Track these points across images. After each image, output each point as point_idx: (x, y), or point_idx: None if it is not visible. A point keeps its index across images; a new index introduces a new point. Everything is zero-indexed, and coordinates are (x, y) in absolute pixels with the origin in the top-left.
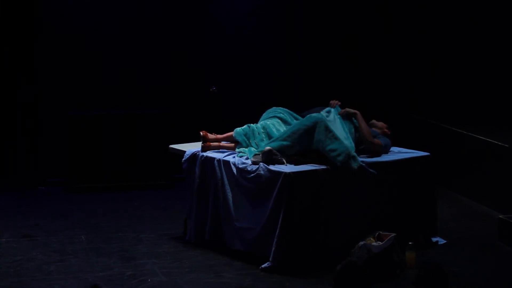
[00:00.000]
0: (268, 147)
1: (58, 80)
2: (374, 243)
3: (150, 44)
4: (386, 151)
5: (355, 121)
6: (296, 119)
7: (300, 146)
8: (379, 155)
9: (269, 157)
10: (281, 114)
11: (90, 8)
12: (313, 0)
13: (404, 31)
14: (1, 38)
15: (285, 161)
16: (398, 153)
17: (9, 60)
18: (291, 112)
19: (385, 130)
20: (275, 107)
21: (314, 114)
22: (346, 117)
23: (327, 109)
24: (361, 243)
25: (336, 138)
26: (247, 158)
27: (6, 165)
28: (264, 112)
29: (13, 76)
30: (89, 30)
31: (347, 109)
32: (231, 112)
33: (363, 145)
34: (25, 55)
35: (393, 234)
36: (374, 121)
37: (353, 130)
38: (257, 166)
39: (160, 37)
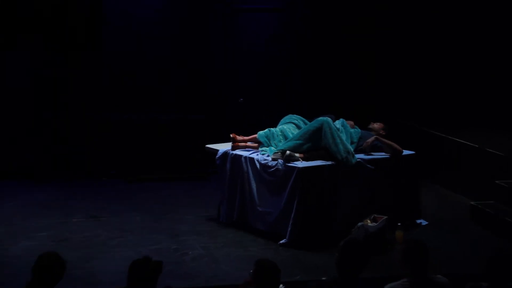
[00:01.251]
0: (288, 151)
1: (122, 93)
2: (370, 224)
3: (189, 65)
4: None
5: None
6: (306, 123)
7: (310, 143)
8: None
9: (286, 159)
10: (295, 120)
11: (139, 33)
12: (316, 28)
13: (388, 45)
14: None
15: (300, 159)
16: None
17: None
18: (303, 118)
19: (382, 132)
20: (290, 115)
21: (320, 118)
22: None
23: (338, 122)
24: (360, 224)
25: (340, 138)
26: (268, 156)
27: (78, 160)
28: (281, 118)
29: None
30: (138, 52)
31: (368, 142)
32: (255, 118)
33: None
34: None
35: (385, 217)
36: (372, 123)
37: (355, 136)
38: (276, 162)
39: (199, 59)
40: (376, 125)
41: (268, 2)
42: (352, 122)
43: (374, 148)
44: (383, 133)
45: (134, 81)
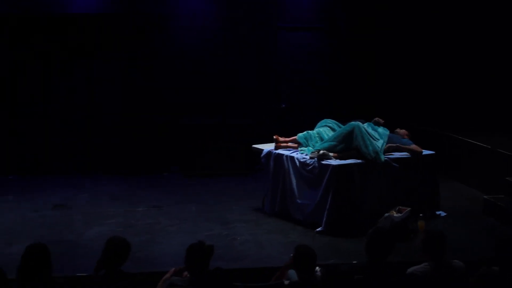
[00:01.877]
0: (322, 151)
1: (182, 101)
2: (395, 215)
3: (239, 76)
4: None
5: (382, 131)
6: (340, 127)
7: (343, 144)
8: (420, 155)
9: (322, 157)
10: (330, 124)
11: (192, 46)
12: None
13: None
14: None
15: (333, 158)
16: None
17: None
18: (337, 122)
19: (406, 136)
20: (326, 119)
21: (352, 122)
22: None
23: (366, 124)
24: (386, 214)
25: (370, 141)
26: (306, 155)
27: (143, 157)
28: (318, 122)
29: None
30: (194, 66)
31: (391, 147)
32: (295, 122)
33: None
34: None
35: (409, 209)
36: (398, 129)
37: (384, 138)
38: (313, 160)
39: (247, 71)
40: (401, 131)
41: (306, 22)
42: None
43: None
44: (408, 137)
45: (193, 91)
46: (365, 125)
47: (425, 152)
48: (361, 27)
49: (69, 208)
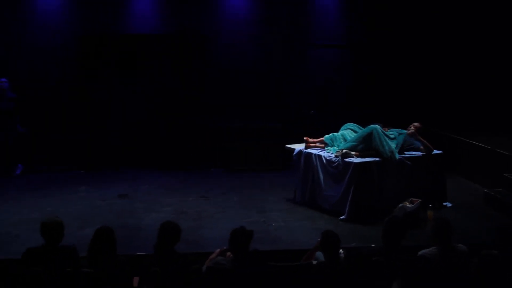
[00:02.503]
0: (345, 150)
1: (223, 106)
2: (408, 205)
3: (273, 86)
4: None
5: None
6: (361, 129)
7: (363, 144)
8: (431, 152)
9: (345, 156)
10: (352, 127)
11: (234, 60)
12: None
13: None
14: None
15: (354, 156)
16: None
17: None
18: (358, 125)
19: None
20: (349, 123)
21: (371, 125)
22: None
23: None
24: (400, 205)
25: (386, 141)
26: (332, 154)
27: (192, 154)
28: (341, 126)
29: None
30: (235, 79)
31: (409, 132)
32: (322, 126)
33: (404, 146)
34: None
35: (420, 200)
36: (409, 127)
37: (399, 138)
38: (338, 158)
39: (280, 81)
40: (414, 125)
41: (333, 39)
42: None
43: (413, 148)
44: (420, 126)
45: (235, 99)
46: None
47: (434, 151)
48: (378, 43)
49: (131, 197)
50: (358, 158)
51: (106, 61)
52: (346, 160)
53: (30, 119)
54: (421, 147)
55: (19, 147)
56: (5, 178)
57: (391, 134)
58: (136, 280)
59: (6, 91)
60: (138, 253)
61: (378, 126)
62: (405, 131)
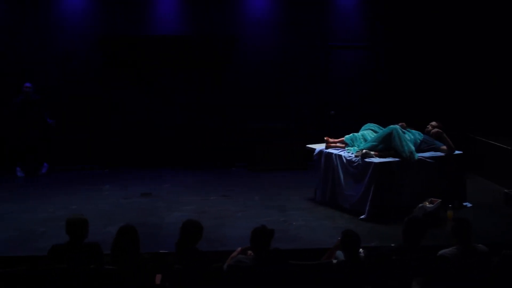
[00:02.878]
0: (365, 150)
1: (240, 105)
2: (428, 205)
3: (298, 89)
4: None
5: (420, 137)
6: (381, 129)
7: (383, 144)
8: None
9: (365, 156)
10: (373, 127)
11: (258, 63)
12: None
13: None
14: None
15: (374, 156)
16: None
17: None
18: (378, 125)
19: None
20: (369, 123)
21: (391, 126)
22: (434, 136)
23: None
24: (420, 205)
25: (406, 141)
26: (352, 154)
27: (215, 154)
28: (361, 126)
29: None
30: (260, 82)
31: (434, 131)
32: (342, 126)
33: (424, 146)
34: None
35: (440, 200)
36: (428, 126)
37: (418, 137)
38: (358, 158)
39: (306, 85)
40: (432, 124)
41: (354, 40)
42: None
43: (434, 148)
44: (438, 125)
45: (257, 100)
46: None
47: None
48: (399, 44)
49: (153, 196)
50: (378, 158)
51: (129, 62)
52: (366, 160)
53: (55, 119)
54: (442, 147)
55: (45, 145)
56: (30, 177)
57: (410, 136)
58: (158, 278)
59: (31, 94)
60: (161, 251)
61: (398, 126)
62: (420, 134)
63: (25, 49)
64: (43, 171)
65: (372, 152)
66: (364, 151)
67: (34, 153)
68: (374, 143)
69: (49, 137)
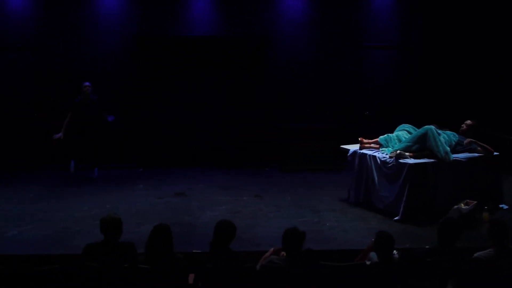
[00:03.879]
0: (399, 151)
1: (278, 108)
2: (463, 207)
3: (333, 90)
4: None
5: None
6: (415, 130)
7: (418, 145)
8: (492, 155)
9: (399, 156)
10: (407, 128)
11: (292, 64)
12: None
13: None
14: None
15: (409, 157)
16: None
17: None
18: (413, 126)
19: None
20: (403, 124)
21: (426, 126)
22: (467, 146)
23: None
24: (455, 206)
25: (441, 142)
26: (386, 154)
27: (247, 156)
28: (396, 127)
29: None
30: (293, 81)
31: (466, 141)
32: (377, 126)
33: (459, 148)
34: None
35: (475, 202)
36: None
37: (452, 139)
38: (392, 159)
39: (341, 86)
40: (467, 123)
41: (389, 41)
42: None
43: (470, 149)
44: (473, 123)
45: (292, 100)
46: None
47: None
48: (435, 44)
49: (187, 195)
50: (413, 159)
51: (163, 63)
52: (401, 161)
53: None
54: (479, 148)
55: (100, 148)
56: (64, 174)
57: (444, 137)
58: (191, 277)
59: (89, 94)
60: (194, 251)
61: (433, 127)
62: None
63: (61, 47)
64: (95, 175)
65: (407, 153)
66: (398, 151)
67: (89, 154)
68: (408, 144)
69: (106, 138)
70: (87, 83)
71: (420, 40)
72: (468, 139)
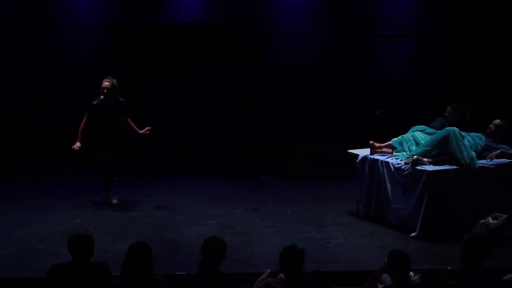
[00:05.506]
0: (416, 156)
1: (278, 106)
2: (491, 221)
3: (339, 84)
4: None
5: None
6: (432, 131)
7: (438, 150)
8: None
9: (416, 162)
10: (423, 129)
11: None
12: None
13: None
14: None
15: (427, 163)
16: None
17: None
18: (427, 127)
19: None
20: (417, 125)
21: (447, 128)
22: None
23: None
24: (482, 221)
25: (464, 146)
26: (401, 160)
27: (241, 161)
28: (409, 128)
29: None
30: (294, 75)
31: (493, 155)
32: (390, 127)
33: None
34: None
35: (506, 215)
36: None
37: (479, 143)
38: (408, 165)
39: (349, 80)
40: (495, 123)
41: (404, 29)
42: None
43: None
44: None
45: (293, 98)
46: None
47: None
48: (458, 34)
49: (171, 208)
50: (432, 166)
51: (143, 55)
52: (418, 167)
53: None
54: (510, 151)
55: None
56: (25, 183)
57: (469, 140)
58: None
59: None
60: (178, 273)
61: (456, 129)
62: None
63: (30, 38)
64: (116, 200)
65: (425, 159)
66: (415, 157)
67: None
68: (427, 148)
69: (128, 148)
70: (107, 82)
71: (442, 26)
72: (496, 152)
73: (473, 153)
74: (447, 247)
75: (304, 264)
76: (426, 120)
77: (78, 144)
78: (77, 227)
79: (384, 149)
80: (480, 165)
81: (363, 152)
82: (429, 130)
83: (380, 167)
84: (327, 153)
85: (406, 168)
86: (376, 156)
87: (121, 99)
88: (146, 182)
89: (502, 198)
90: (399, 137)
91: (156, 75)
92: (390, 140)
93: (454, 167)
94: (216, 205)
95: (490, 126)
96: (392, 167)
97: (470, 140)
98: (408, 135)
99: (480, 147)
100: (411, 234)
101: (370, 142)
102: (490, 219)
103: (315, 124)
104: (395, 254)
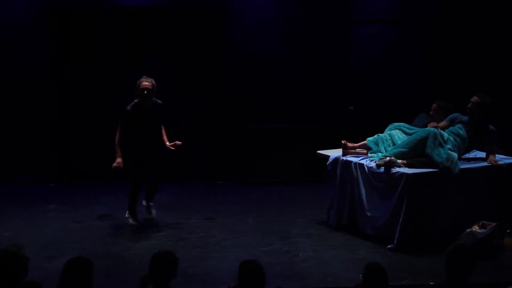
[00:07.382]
0: (389, 158)
1: (239, 102)
2: (478, 230)
3: (307, 77)
4: None
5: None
6: (410, 129)
7: (414, 152)
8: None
9: (390, 165)
10: (401, 127)
11: (261, 49)
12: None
13: None
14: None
15: (402, 165)
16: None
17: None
18: (406, 125)
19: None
20: (395, 123)
21: (427, 128)
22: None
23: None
24: (468, 230)
25: (442, 146)
26: (375, 161)
27: (196, 165)
28: (386, 126)
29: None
30: (260, 68)
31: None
32: (365, 125)
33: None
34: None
35: (495, 224)
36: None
37: (461, 143)
38: (381, 168)
39: (318, 72)
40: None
41: (382, 13)
42: None
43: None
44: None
45: (256, 91)
46: (444, 134)
47: (507, 160)
48: (443, 18)
49: (115, 218)
50: (408, 168)
51: (85, 44)
52: (395, 170)
53: None
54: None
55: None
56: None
57: (451, 140)
58: None
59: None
60: None
61: (436, 130)
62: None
63: None
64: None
65: (399, 161)
66: (388, 158)
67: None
68: (403, 150)
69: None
70: (145, 82)
71: (425, 12)
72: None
73: (455, 155)
74: (429, 259)
75: (266, 280)
76: (407, 117)
77: (119, 160)
78: (7, 241)
79: (358, 150)
80: (462, 167)
81: (334, 153)
82: (407, 129)
83: (354, 170)
84: (294, 154)
85: (382, 171)
86: (349, 158)
87: (159, 101)
88: (87, 188)
89: (490, 205)
90: (375, 136)
91: (99, 63)
92: (364, 140)
93: (435, 169)
94: (167, 214)
95: (469, 104)
96: (366, 170)
97: (452, 141)
98: (385, 134)
99: (466, 143)
100: (389, 246)
101: (342, 141)
102: (477, 228)
103: (281, 123)
104: (371, 269)
